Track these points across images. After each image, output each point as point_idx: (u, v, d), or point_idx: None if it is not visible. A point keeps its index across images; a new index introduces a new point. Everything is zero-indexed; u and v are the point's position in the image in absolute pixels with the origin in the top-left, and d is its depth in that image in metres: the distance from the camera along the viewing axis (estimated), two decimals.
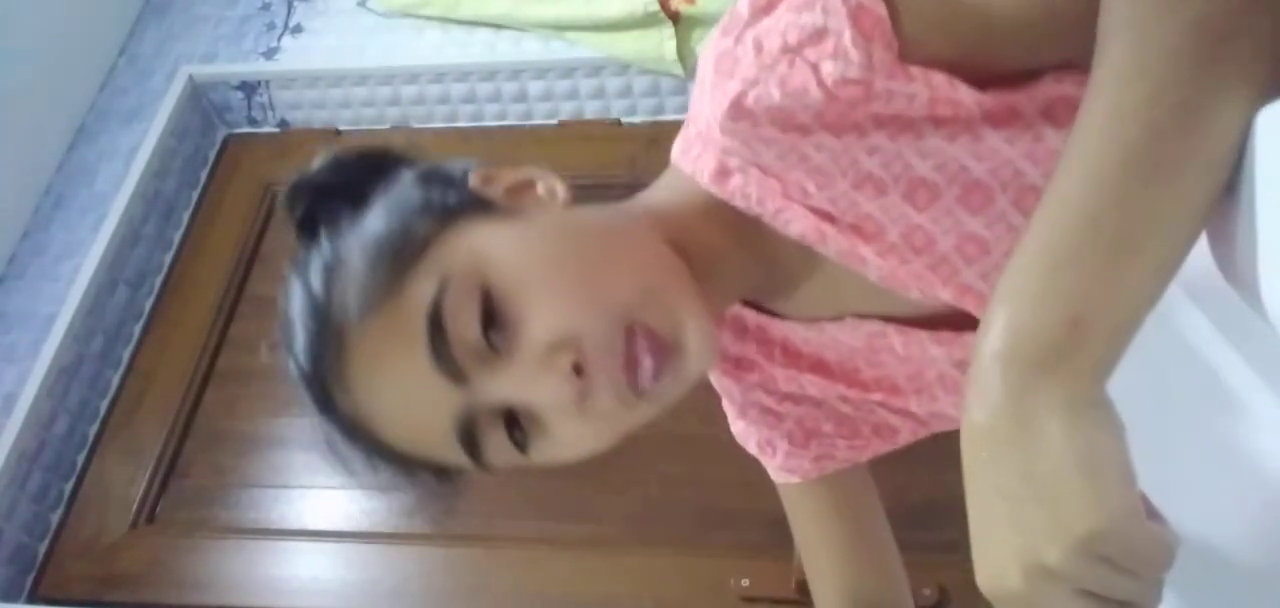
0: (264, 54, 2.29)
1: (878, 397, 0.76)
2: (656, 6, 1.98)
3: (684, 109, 0.96)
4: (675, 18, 1.99)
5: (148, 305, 2.13)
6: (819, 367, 0.76)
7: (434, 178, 0.66)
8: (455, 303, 0.59)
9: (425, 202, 0.64)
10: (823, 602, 0.84)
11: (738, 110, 0.58)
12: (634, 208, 0.69)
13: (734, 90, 0.58)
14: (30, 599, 1.83)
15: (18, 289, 2.06)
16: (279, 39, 2.31)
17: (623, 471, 1.75)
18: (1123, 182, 0.44)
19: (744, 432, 0.82)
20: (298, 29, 2.32)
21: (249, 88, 2.29)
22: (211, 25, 2.37)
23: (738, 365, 0.78)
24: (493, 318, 0.60)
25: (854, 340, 0.71)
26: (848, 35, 0.54)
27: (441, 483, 0.68)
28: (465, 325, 0.59)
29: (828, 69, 0.54)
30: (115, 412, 2.00)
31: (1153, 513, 0.45)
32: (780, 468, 0.81)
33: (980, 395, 0.46)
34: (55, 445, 1.91)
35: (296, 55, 2.26)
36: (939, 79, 0.55)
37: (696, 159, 0.65)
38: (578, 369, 0.59)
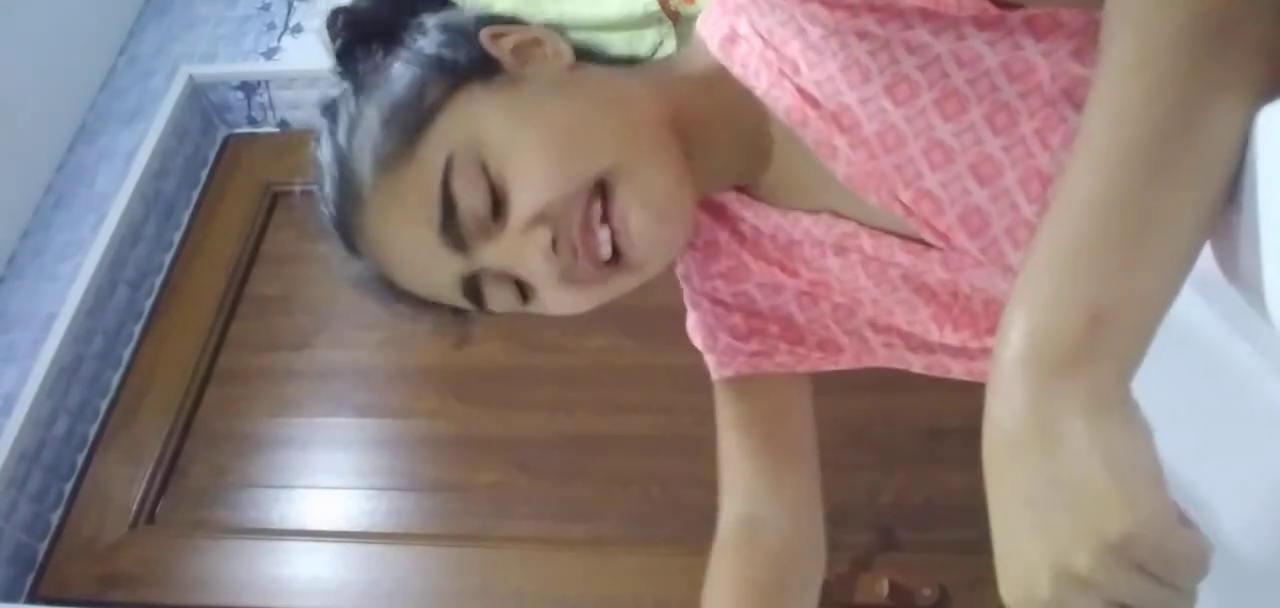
0: (264, 54, 2.29)
1: (838, 298, 0.77)
2: (656, 6, 1.98)
3: None
4: (675, 18, 1.99)
5: (148, 305, 2.12)
6: (788, 257, 0.76)
7: (450, 33, 0.70)
8: (463, 180, 0.64)
9: (438, 61, 0.68)
10: (723, 514, 0.83)
11: None
12: (641, 75, 0.72)
13: None
14: (30, 599, 1.83)
15: (18, 289, 2.06)
16: (279, 39, 2.31)
17: (623, 470, 1.76)
18: (1130, 178, 0.44)
19: (694, 325, 0.83)
20: (298, 29, 2.32)
21: (249, 88, 2.29)
22: (211, 25, 2.37)
23: (706, 251, 0.80)
24: (493, 193, 0.65)
25: (825, 236, 0.72)
26: None
27: (457, 317, 0.73)
28: (471, 201, 0.64)
29: None
30: (115, 412, 2.00)
31: (1184, 518, 0.44)
32: (718, 362, 0.82)
33: (1002, 400, 0.45)
34: (55, 446, 1.91)
35: (296, 55, 2.26)
36: None
37: (713, 25, 0.68)
38: (556, 245, 0.65)
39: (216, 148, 2.33)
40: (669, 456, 1.74)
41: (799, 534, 0.82)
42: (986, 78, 0.59)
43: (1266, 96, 0.44)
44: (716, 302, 0.81)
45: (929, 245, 0.68)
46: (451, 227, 0.65)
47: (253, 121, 2.33)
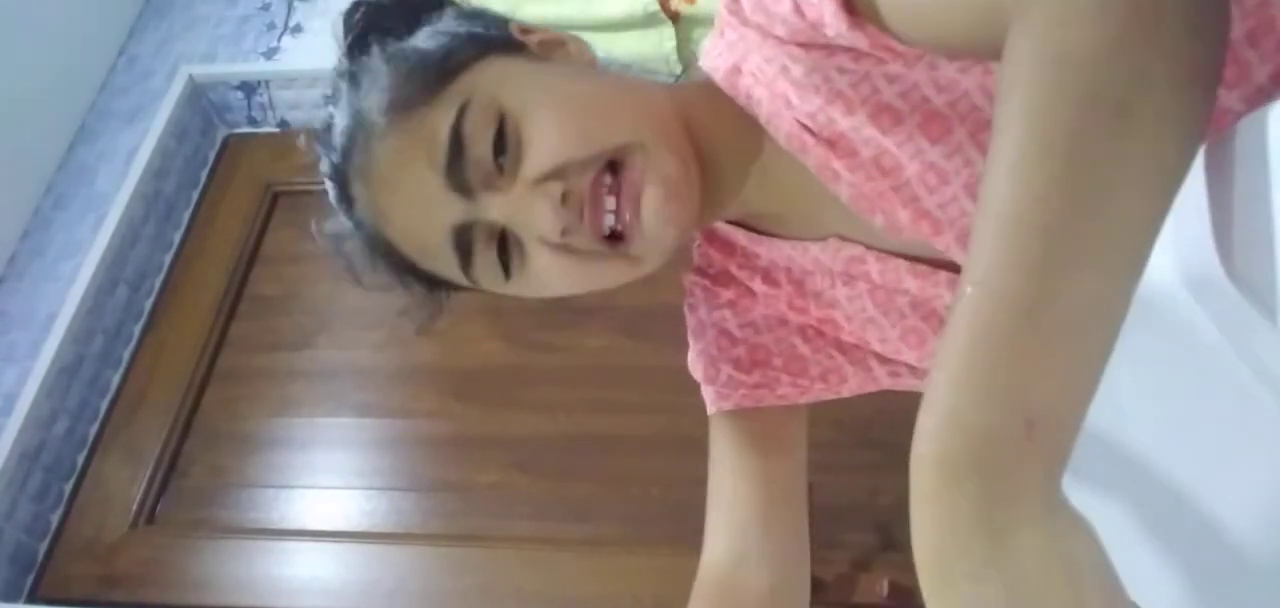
0: (264, 54, 2.29)
1: (847, 338, 0.78)
2: (656, 6, 1.98)
3: None
4: (675, 18, 1.99)
5: (148, 305, 2.13)
6: (799, 291, 0.77)
7: (477, 16, 0.72)
8: (474, 122, 0.65)
9: (468, 33, 0.70)
10: (710, 548, 0.82)
11: (732, 2, 0.64)
12: (658, 85, 0.73)
13: None
14: (30, 599, 1.83)
15: (18, 289, 2.06)
16: (279, 39, 2.31)
17: (623, 470, 1.76)
18: (1048, 275, 0.42)
19: (696, 356, 0.83)
20: (298, 29, 2.32)
21: (249, 88, 2.29)
22: (211, 25, 2.38)
23: (716, 281, 0.80)
24: (504, 142, 0.65)
25: (834, 263, 0.73)
26: None
27: (430, 294, 0.74)
28: (480, 144, 0.65)
29: None
30: (115, 412, 2.00)
31: None
32: (717, 395, 0.81)
33: (938, 520, 0.42)
34: (55, 446, 1.91)
35: (296, 55, 2.26)
36: (878, 35, 0.58)
37: (717, 57, 0.69)
38: (565, 200, 0.64)
39: (216, 148, 2.33)
40: (669, 455, 1.74)
41: (787, 576, 0.80)
42: (966, 98, 0.61)
43: (1173, 172, 0.42)
44: (722, 332, 0.81)
45: (936, 267, 0.68)
46: (457, 169, 0.65)
47: (253, 121, 2.33)
